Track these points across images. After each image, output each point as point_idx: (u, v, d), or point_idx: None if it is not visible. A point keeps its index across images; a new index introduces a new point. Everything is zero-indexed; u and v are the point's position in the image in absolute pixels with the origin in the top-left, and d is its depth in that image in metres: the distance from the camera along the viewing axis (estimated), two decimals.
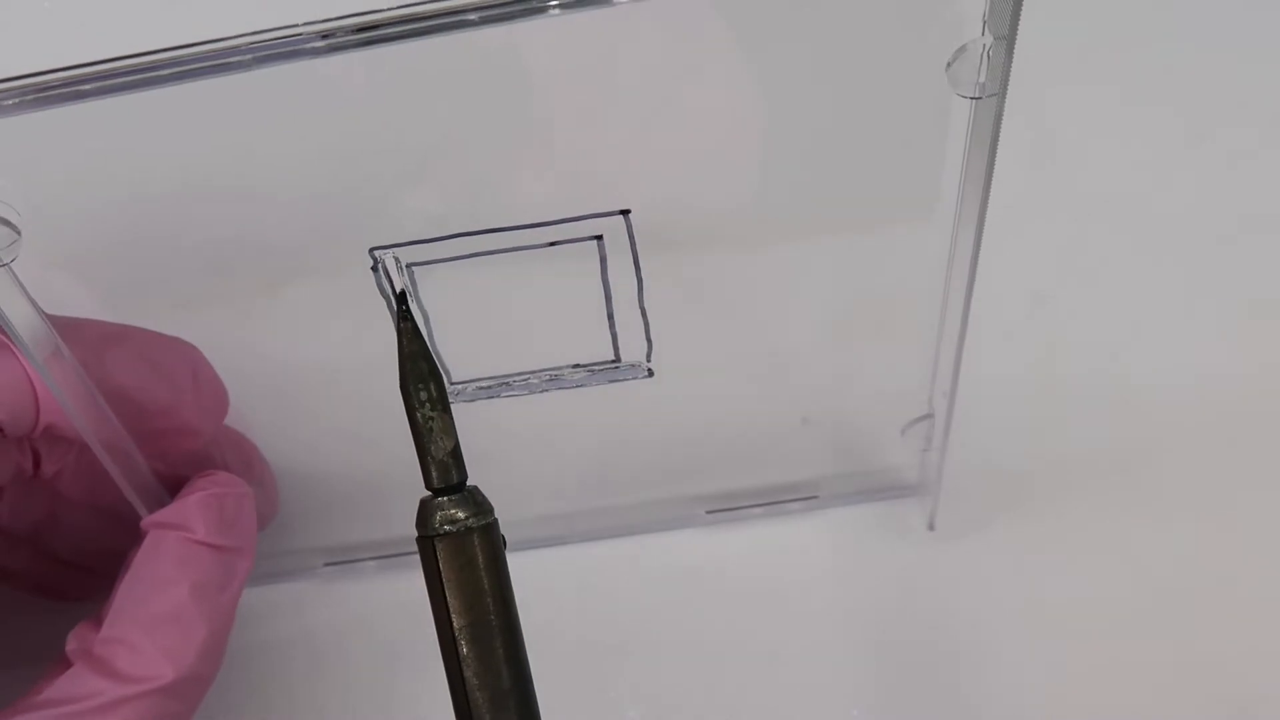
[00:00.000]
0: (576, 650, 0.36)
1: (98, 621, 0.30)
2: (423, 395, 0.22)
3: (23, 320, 0.26)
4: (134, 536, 0.32)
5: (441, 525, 0.22)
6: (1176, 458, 0.38)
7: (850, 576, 0.37)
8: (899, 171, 0.29)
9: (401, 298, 0.25)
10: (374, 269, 0.27)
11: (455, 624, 0.22)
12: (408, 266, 0.28)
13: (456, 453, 0.22)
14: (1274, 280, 0.41)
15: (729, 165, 0.29)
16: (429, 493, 0.23)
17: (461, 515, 0.22)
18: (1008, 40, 0.23)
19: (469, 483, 0.23)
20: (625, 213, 0.27)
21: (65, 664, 0.29)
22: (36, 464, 0.32)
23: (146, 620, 0.29)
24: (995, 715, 0.35)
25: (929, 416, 0.35)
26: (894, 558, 0.37)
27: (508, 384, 0.32)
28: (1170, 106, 0.44)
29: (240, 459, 0.34)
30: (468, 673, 0.22)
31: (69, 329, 0.28)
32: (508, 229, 0.27)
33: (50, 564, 0.35)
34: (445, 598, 0.22)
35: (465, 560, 0.22)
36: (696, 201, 0.30)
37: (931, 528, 0.37)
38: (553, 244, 0.28)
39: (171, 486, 0.32)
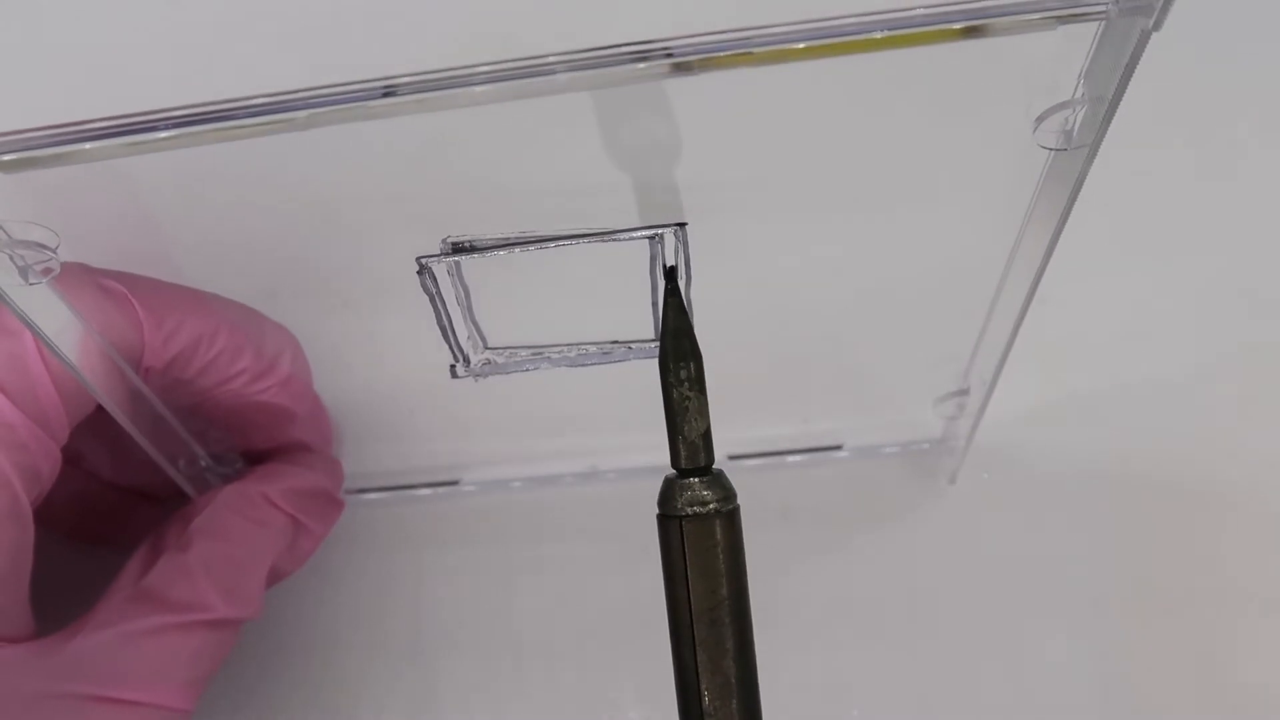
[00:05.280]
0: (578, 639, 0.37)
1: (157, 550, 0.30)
2: (682, 374, 0.22)
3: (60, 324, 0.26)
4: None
5: (688, 506, 0.22)
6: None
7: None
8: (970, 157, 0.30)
9: (671, 273, 0.24)
10: (419, 273, 0.28)
11: (694, 607, 0.21)
12: (454, 252, 0.28)
13: (708, 435, 0.22)
14: (1275, 278, 0.42)
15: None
16: (674, 471, 0.22)
17: (709, 497, 0.22)
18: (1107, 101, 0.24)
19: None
20: (682, 225, 0.28)
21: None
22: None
23: (211, 558, 0.30)
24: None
25: (964, 392, 0.37)
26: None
27: (546, 356, 0.32)
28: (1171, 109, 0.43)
29: (319, 436, 0.34)
30: (701, 655, 0.21)
31: (147, 286, 0.29)
32: (560, 238, 0.28)
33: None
34: (687, 579, 0.21)
35: (709, 544, 0.22)
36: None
37: (953, 481, 0.39)
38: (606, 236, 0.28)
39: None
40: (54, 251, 0.25)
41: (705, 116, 0.28)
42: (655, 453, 0.25)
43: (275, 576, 0.33)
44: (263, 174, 0.30)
